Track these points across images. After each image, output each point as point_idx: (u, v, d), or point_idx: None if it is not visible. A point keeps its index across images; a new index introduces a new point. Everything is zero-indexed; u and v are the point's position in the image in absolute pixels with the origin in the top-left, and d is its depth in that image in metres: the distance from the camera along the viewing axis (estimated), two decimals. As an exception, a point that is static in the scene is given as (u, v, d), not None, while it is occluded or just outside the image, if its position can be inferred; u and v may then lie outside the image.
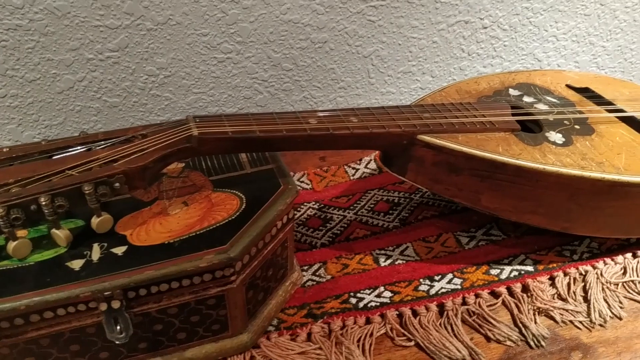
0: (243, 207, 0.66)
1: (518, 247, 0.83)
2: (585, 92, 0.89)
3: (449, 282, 0.77)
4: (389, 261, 0.81)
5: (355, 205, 0.90)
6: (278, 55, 1.15)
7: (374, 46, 1.20)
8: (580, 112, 0.83)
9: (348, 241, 0.84)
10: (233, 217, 0.65)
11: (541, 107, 0.83)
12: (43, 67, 1.05)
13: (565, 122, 0.81)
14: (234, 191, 0.69)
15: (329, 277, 0.78)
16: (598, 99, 0.88)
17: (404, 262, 0.81)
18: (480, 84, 0.88)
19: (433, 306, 0.74)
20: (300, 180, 0.95)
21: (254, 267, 0.66)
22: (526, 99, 0.85)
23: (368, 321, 0.73)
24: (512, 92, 0.87)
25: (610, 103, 0.86)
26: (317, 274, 0.79)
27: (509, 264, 0.80)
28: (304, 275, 0.79)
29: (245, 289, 0.66)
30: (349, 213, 0.89)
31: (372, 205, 0.90)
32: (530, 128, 0.79)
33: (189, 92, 1.15)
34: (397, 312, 0.73)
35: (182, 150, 0.63)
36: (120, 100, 1.11)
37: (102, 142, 0.65)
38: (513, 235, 0.85)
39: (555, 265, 0.80)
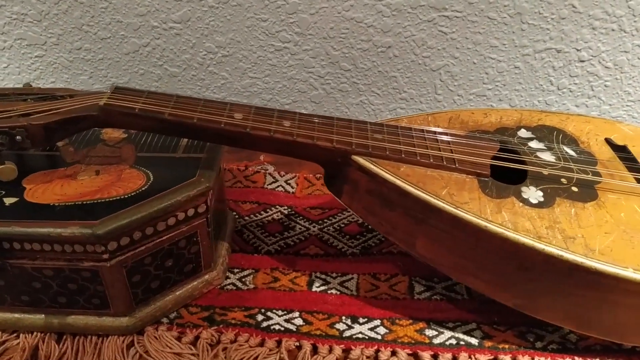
0: (143, 188, 0.64)
1: (474, 314, 0.70)
2: (622, 151, 0.72)
3: (373, 329, 0.68)
4: (322, 288, 0.73)
5: (325, 220, 0.83)
6: (337, 53, 1.10)
7: (444, 60, 1.09)
8: (596, 174, 0.67)
9: (296, 255, 0.77)
10: (126, 196, 0.63)
11: (545, 157, 0.69)
12: (113, 28, 1.11)
13: (562, 180, 0.66)
14: (148, 171, 0.66)
15: (252, 286, 0.73)
16: (632, 163, 0.70)
17: (338, 293, 0.72)
18: (489, 116, 0.75)
19: (338, 349, 0.65)
20: (288, 182, 0.90)
21: (139, 252, 0.63)
22: (533, 144, 0.71)
23: (262, 343, 0.66)
24: (522, 133, 0.73)
25: (642, 171, 0.69)
26: (243, 280, 0.74)
27: (453, 329, 0.68)
28: (229, 278, 0.74)
29: (127, 272, 0.63)
30: (314, 227, 0.82)
31: (342, 225, 0.82)
32: (515, 178, 0.66)
33: (245, 75, 1.14)
34: (297, 344, 0.66)
35: (88, 117, 0.62)
36: (180, 71, 1.14)
37: (35, 96, 0.66)
38: (478, 299, 0.71)
39: (507, 347, 0.66)
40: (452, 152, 0.65)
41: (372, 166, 0.62)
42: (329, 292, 0.72)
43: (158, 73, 1.14)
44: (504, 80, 1.10)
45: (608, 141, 0.74)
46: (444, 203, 0.59)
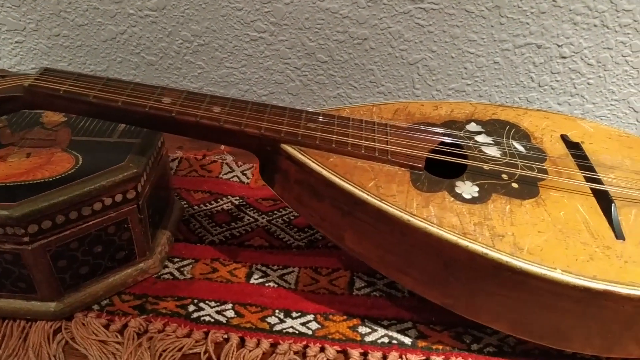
0: (69, 172, 0.63)
1: (412, 312, 0.67)
2: (575, 148, 0.69)
3: (305, 324, 0.66)
4: (260, 280, 0.71)
5: (275, 212, 0.81)
6: (313, 44, 1.08)
7: (422, 54, 1.06)
8: (543, 171, 0.64)
9: (239, 247, 0.76)
10: (51, 179, 0.62)
11: (490, 152, 0.66)
12: (90, 14, 1.11)
13: (503, 175, 0.63)
14: (78, 155, 0.65)
15: (189, 276, 0.71)
16: (584, 161, 0.67)
17: (275, 286, 0.70)
18: (439, 109, 0.72)
19: (266, 343, 0.64)
20: (244, 172, 0.88)
21: (64, 236, 0.62)
22: (480, 138, 0.68)
23: (190, 334, 0.65)
24: (471, 127, 0.70)
25: (591, 169, 0.65)
26: (181, 270, 0.72)
27: (387, 327, 0.66)
28: (167, 267, 0.73)
29: (52, 256, 0.62)
30: (263, 218, 0.80)
31: (291, 218, 0.80)
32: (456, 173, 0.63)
33: (222, 65, 1.13)
34: (225, 336, 0.64)
35: (13, 99, 0.61)
36: (157, 59, 1.13)
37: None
38: (418, 296, 0.69)
39: (441, 347, 0.63)
40: (387, 144, 0.63)
41: (300, 155, 0.60)
42: (266, 284, 0.71)
43: (135, 61, 1.14)
44: (484, 75, 1.07)
45: (563, 138, 0.71)
46: (368, 195, 0.57)
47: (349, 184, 0.58)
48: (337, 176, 0.58)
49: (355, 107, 0.69)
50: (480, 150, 0.66)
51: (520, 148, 0.68)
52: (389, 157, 0.61)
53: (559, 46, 1.02)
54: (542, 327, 0.58)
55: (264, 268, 0.73)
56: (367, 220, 0.58)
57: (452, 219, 0.57)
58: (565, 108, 1.10)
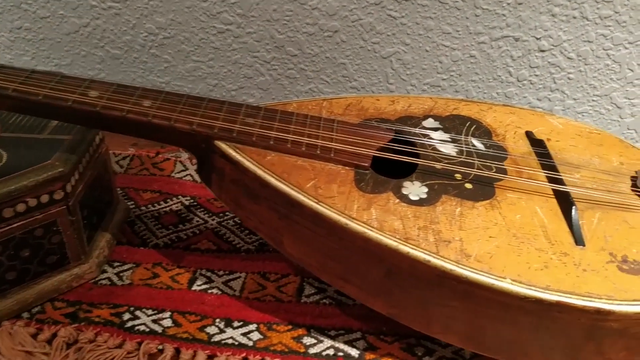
0: (-11, 171, 0.58)
1: (362, 321, 0.63)
2: (538, 146, 0.64)
3: (246, 334, 0.61)
4: (203, 287, 0.67)
5: (227, 213, 0.77)
6: (282, 37, 1.03)
7: (395, 47, 1.02)
8: (501, 170, 0.60)
9: (185, 250, 0.71)
10: (-33, 179, 0.57)
11: (446, 149, 0.61)
12: (52, 6, 1.06)
13: (456, 175, 0.58)
14: (3, 152, 0.61)
15: (127, 282, 0.67)
16: (547, 160, 0.62)
17: (219, 293, 0.66)
18: (396, 104, 0.68)
19: (202, 355, 0.59)
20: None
21: (-18, 239, 0.58)
22: (437, 135, 0.63)
23: (122, 345, 0.60)
24: (428, 123, 0.65)
25: (554, 168, 0.60)
26: (121, 275, 0.68)
27: (335, 337, 0.61)
28: (106, 272, 0.68)
29: (-29, 261, 0.58)
30: (213, 220, 0.76)
31: (243, 219, 0.75)
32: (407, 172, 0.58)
33: (188, 58, 1.08)
34: (160, 347, 0.60)
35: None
36: (122, 53, 1.09)
37: None
38: (370, 304, 0.64)
39: (390, 360, 0.59)
40: (332, 141, 0.58)
41: (234, 153, 0.55)
42: (209, 291, 0.66)
43: (100, 55, 1.09)
44: (459, 70, 1.02)
45: (528, 135, 0.66)
46: (304, 196, 0.52)
47: (285, 184, 0.53)
48: (272, 176, 0.54)
49: (303, 102, 0.65)
50: (435, 148, 0.61)
51: (479, 146, 0.63)
52: (332, 155, 0.56)
53: (537, 39, 0.98)
54: (496, 341, 0.53)
55: (208, 273, 0.68)
56: (304, 223, 0.53)
57: (395, 222, 0.52)
58: (545, 104, 1.05)
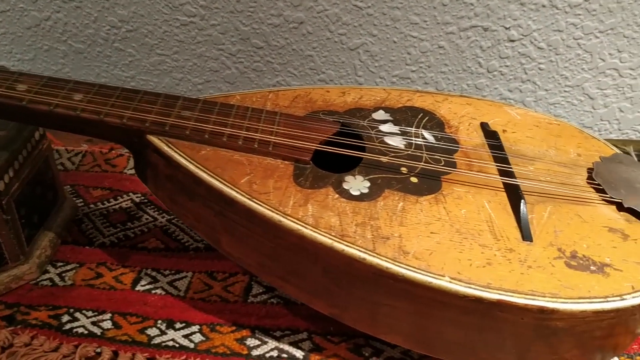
0: None
1: (309, 321, 0.60)
2: (492, 138, 0.62)
3: (188, 335, 0.59)
4: (147, 287, 0.64)
5: (178, 210, 0.74)
6: (247, 29, 1.01)
7: (362, 38, 0.99)
8: (451, 164, 0.57)
9: (132, 249, 0.69)
10: None
11: (393, 142, 0.59)
12: (11, 0, 1.03)
13: (402, 169, 0.56)
14: None
15: (69, 283, 0.64)
16: (499, 152, 0.60)
17: (163, 293, 0.63)
18: (346, 95, 0.65)
19: (141, 357, 0.57)
20: (153, 167, 0.81)
21: None
22: (386, 127, 0.61)
23: (58, 348, 0.58)
24: (378, 115, 0.63)
25: (506, 160, 0.58)
26: (63, 275, 0.65)
27: (280, 339, 0.59)
28: (48, 273, 0.66)
29: None
30: (163, 217, 0.73)
31: (195, 216, 0.73)
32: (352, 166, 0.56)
33: (153, 52, 1.06)
34: (97, 350, 0.57)
35: None
36: (85, 47, 1.06)
37: None
38: (319, 304, 0.62)
39: (336, 361, 0.56)
40: (271, 135, 0.55)
41: (166, 148, 0.53)
42: (153, 292, 0.64)
43: (63, 49, 1.06)
44: (428, 61, 1.00)
45: (483, 126, 0.64)
46: (237, 193, 0.50)
47: (218, 180, 0.51)
48: (205, 171, 0.51)
49: (248, 94, 0.62)
50: (382, 141, 0.59)
51: (430, 138, 0.60)
52: (270, 149, 0.54)
53: (506, 29, 0.95)
54: (442, 341, 0.51)
55: (154, 273, 0.66)
56: (239, 221, 0.51)
57: (332, 219, 0.49)
58: (516, 95, 1.03)
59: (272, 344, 0.58)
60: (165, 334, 0.59)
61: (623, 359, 0.58)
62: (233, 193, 0.50)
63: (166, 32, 1.03)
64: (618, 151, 0.64)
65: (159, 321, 0.60)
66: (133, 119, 0.54)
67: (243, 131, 0.55)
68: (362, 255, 0.47)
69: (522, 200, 0.53)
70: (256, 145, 0.54)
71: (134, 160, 0.58)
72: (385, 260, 0.47)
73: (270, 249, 0.51)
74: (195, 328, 0.60)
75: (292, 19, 0.99)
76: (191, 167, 0.52)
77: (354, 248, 0.47)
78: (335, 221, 0.49)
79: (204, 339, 0.59)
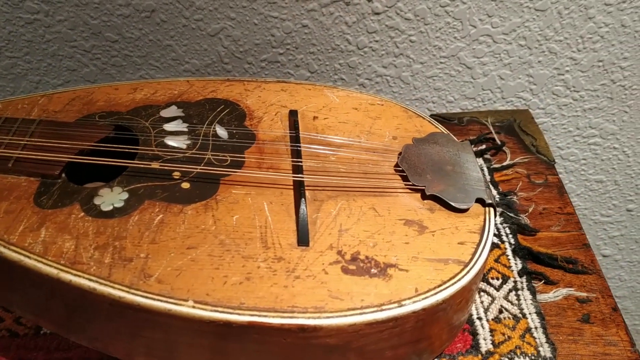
0: None
1: (106, 355, 0.53)
2: (293, 128, 0.55)
3: (-37, 382, 0.52)
4: None
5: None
6: (96, 22, 0.93)
7: (221, 23, 0.91)
8: (237, 163, 0.50)
9: None
10: None
11: (175, 143, 0.52)
12: None
13: (175, 174, 0.49)
14: None
15: None
16: (296, 145, 0.53)
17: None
18: (138, 92, 0.58)
19: None
20: None
21: None
22: (171, 126, 0.54)
23: None
24: (167, 112, 0.56)
25: (300, 154, 0.51)
26: None
27: (66, 376, 0.52)
28: None
29: None
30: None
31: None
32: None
33: (2, 54, 0.97)
34: None
35: None
36: None
37: None
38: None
39: (124, 397, 0.49)
40: (17, 149, 0.48)
41: None
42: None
43: None
44: (295, 42, 0.93)
45: (291, 115, 0.57)
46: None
47: None
48: None
49: (13, 100, 0.55)
50: (161, 143, 0.51)
51: (222, 134, 0.53)
52: (10, 165, 0.46)
53: (368, 1, 0.88)
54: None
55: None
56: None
57: (67, 243, 0.42)
58: (392, 71, 0.96)
59: (56, 383, 0.51)
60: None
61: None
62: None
63: (12, 32, 0.95)
64: (442, 130, 0.57)
65: None
66: None
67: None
68: (92, 285, 0.40)
69: (302, 199, 0.46)
70: (-10, 163, 0.47)
71: None
72: (119, 289, 0.40)
73: (6, 282, 0.44)
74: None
75: (142, 7, 0.91)
76: None
77: (85, 277, 0.40)
78: (70, 245, 0.42)
79: (-20, 384, 0.52)
